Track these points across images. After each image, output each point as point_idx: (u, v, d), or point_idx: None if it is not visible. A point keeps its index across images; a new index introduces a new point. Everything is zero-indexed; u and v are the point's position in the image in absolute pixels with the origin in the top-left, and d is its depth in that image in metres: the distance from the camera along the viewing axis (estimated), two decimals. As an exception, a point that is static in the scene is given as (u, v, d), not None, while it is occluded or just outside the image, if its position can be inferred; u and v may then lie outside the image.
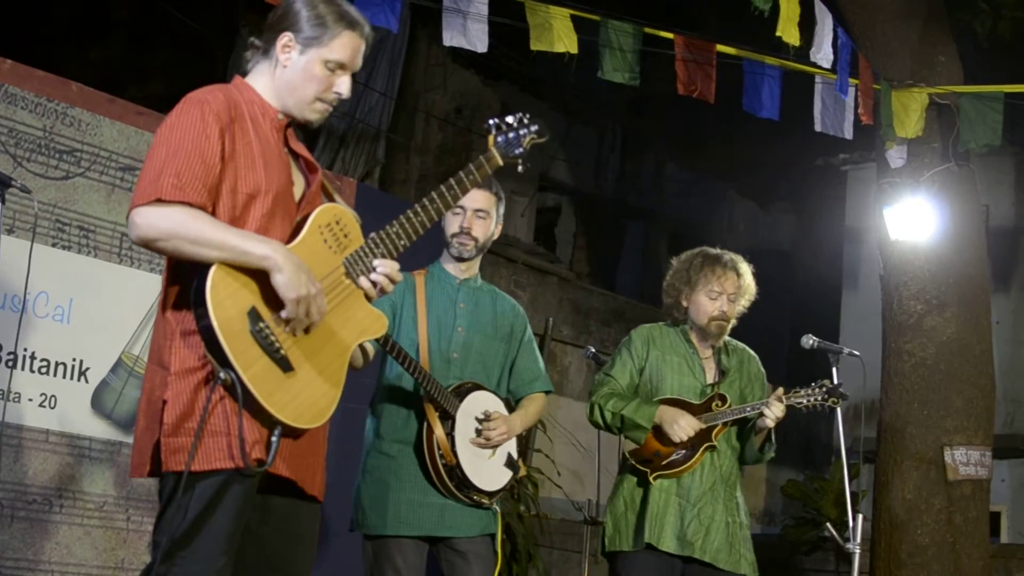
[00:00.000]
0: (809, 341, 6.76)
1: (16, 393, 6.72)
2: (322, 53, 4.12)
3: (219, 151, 3.92)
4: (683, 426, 6.34)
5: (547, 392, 6.24)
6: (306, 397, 3.94)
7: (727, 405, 6.44)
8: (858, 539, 6.65)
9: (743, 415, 6.42)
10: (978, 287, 10.70)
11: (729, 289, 6.54)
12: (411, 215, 4.23)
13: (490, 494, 5.83)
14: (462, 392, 5.80)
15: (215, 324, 3.72)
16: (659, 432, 6.40)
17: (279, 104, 4.18)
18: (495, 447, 5.87)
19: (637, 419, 6.38)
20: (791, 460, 20.07)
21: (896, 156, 10.61)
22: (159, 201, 3.78)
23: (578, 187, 22.86)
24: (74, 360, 7.06)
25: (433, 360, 5.78)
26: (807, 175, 21.45)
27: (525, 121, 4.41)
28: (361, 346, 5.46)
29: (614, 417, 6.46)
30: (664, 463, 6.40)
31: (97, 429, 7.13)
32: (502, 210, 6.07)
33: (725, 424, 6.46)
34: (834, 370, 6.71)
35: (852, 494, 6.95)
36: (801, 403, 6.46)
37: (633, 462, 6.48)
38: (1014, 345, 17.62)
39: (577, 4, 9.00)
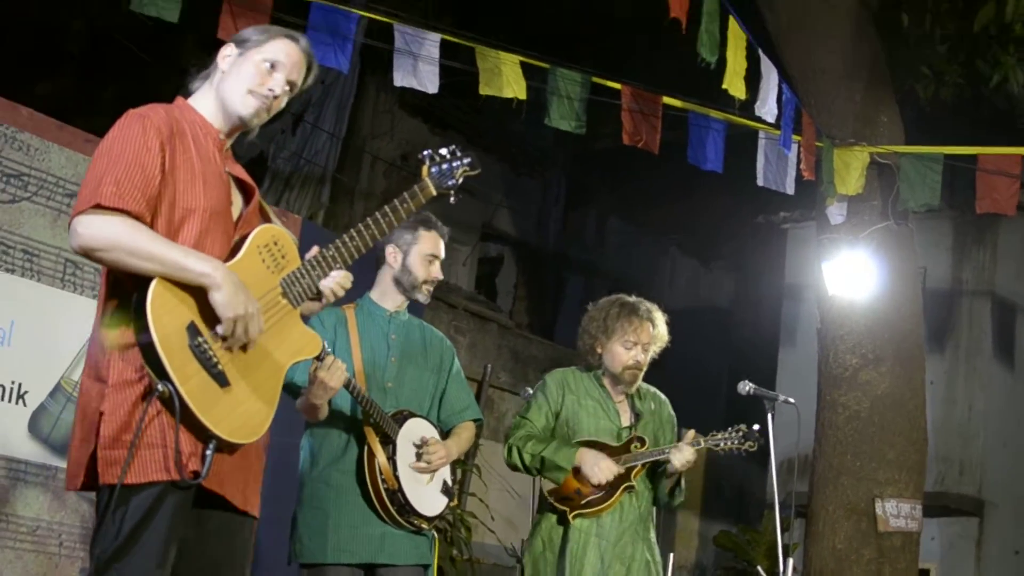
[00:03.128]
0: (746, 387, 6.83)
1: (-47, 414, 6.72)
2: (259, 54, 4.23)
3: (159, 164, 3.96)
4: (603, 468, 6.41)
5: (476, 421, 6.32)
6: (241, 413, 3.97)
7: (646, 447, 6.53)
8: (788, 584, 6.70)
9: (661, 457, 6.50)
10: (913, 343, 10.83)
11: (644, 339, 6.62)
12: (347, 239, 4.28)
13: (429, 519, 5.88)
14: (400, 419, 5.85)
15: (155, 338, 3.75)
16: (578, 473, 6.47)
17: (220, 122, 4.25)
18: (434, 471, 5.92)
19: (557, 460, 6.45)
20: (724, 513, 20.14)
21: (836, 213, 10.73)
22: (99, 207, 3.82)
23: (521, 238, 22.92)
24: (13, 383, 7.05)
25: (370, 389, 5.82)
26: (748, 233, 21.63)
27: (458, 153, 4.46)
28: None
29: (533, 459, 6.52)
30: (584, 502, 6.47)
31: (33, 453, 7.11)
32: None
33: (644, 465, 6.55)
34: (769, 416, 6.78)
35: (784, 545, 7.01)
36: (718, 446, 6.56)
37: (552, 501, 6.54)
38: (947, 405, 17.77)
39: (526, 51, 9.09)
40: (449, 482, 6.09)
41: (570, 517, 6.45)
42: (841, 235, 10.84)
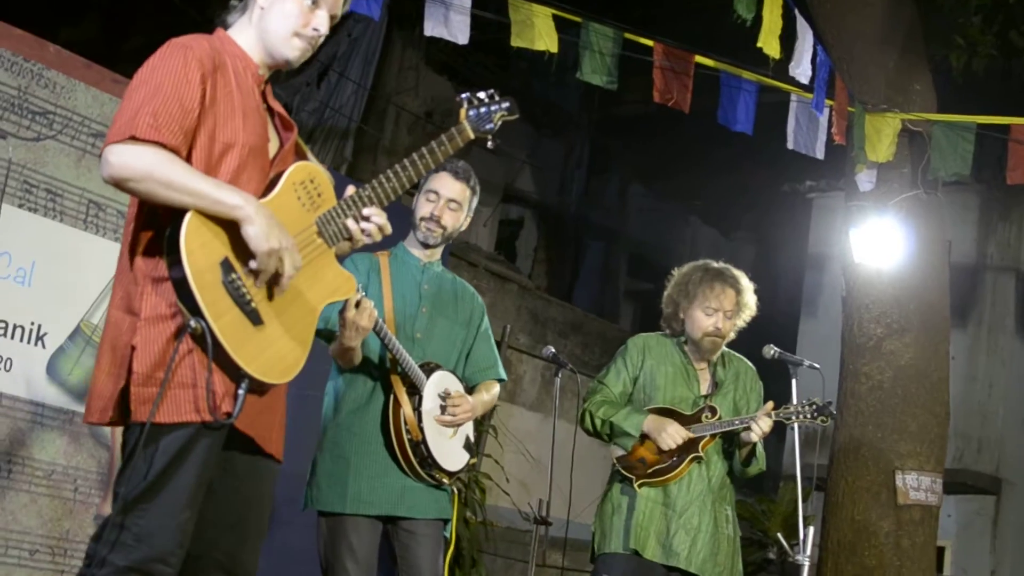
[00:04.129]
0: (771, 351, 6.72)
1: (-29, 352, 6.67)
2: None
3: (199, 97, 3.88)
4: (671, 434, 6.37)
5: (501, 381, 6.25)
6: (274, 352, 3.90)
7: (716, 417, 6.48)
8: (807, 551, 6.60)
9: (731, 428, 6.45)
10: (939, 314, 10.71)
11: (727, 306, 6.56)
12: (383, 180, 4.21)
13: (450, 474, 5.81)
14: (427, 370, 5.77)
15: (188, 273, 3.68)
16: (647, 440, 6.42)
17: (259, 55, 4.16)
18: (458, 426, 5.84)
19: (625, 426, 6.43)
20: (739, 483, 20.08)
21: (865, 180, 10.60)
22: (133, 139, 3.74)
23: (542, 201, 22.84)
24: (32, 324, 6.99)
25: (399, 338, 5.73)
26: (771, 201, 21.49)
27: (496, 97, 4.39)
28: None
29: (603, 424, 6.51)
30: (649, 471, 6.44)
31: (51, 396, 7.06)
32: (475, 203, 6.07)
33: (713, 436, 6.48)
34: (793, 382, 6.68)
35: (803, 516, 6.93)
36: (790, 419, 6.48)
37: (620, 468, 6.52)
38: (967, 381, 17.64)
39: (559, 4, 8.97)
40: (471, 438, 6.02)
41: (636, 486, 6.43)
42: (869, 202, 10.71)
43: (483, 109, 4.36)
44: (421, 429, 5.66)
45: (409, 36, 17.97)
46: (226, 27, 4.21)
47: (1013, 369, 18.06)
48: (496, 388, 6.22)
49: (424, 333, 5.89)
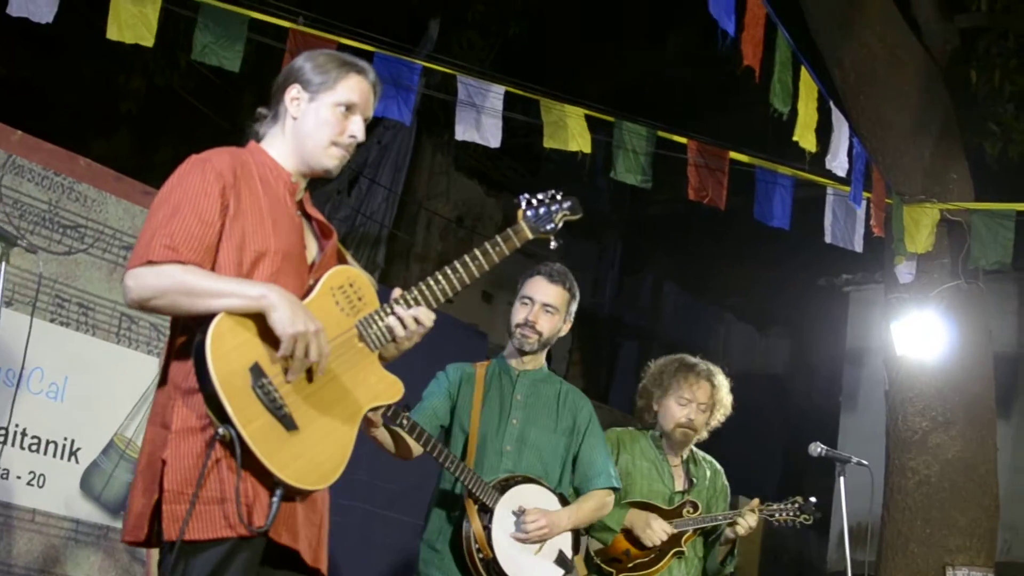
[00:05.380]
0: (817, 449, 6.69)
1: (4, 469, 6.57)
2: (331, 97, 4.07)
3: (218, 209, 3.83)
4: (656, 530, 6.32)
5: (612, 489, 6.01)
6: (310, 458, 3.78)
7: (698, 512, 6.43)
8: (861, 652, 6.51)
9: (716, 523, 6.44)
10: (984, 406, 10.60)
11: (700, 398, 6.51)
12: (432, 283, 4.13)
13: None
14: (507, 485, 5.65)
15: (215, 377, 3.60)
16: (628, 534, 6.35)
17: (293, 164, 4.10)
18: (537, 542, 5.67)
19: (606, 520, 6.31)
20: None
21: (905, 271, 10.52)
22: (150, 263, 3.70)
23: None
24: (65, 439, 6.90)
25: (484, 452, 5.67)
26: (807, 296, 21.40)
27: (557, 197, 4.33)
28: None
29: None
30: (631, 565, 6.35)
31: (85, 512, 6.96)
32: (574, 308, 5.96)
33: (695, 531, 6.44)
34: (841, 480, 6.61)
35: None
36: (774, 516, 6.52)
37: (599, 562, 6.39)
38: (1014, 472, 17.36)
39: (591, 104, 8.94)
40: (567, 553, 5.80)
41: None
42: (910, 294, 10.63)
43: (542, 209, 4.30)
44: (491, 547, 5.54)
45: (438, 141, 18.03)
46: (259, 139, 4.16)
47: (1059, 459, 17.83)
48: (600, 497, 5.96)
49: (514, 446, 5.78)
